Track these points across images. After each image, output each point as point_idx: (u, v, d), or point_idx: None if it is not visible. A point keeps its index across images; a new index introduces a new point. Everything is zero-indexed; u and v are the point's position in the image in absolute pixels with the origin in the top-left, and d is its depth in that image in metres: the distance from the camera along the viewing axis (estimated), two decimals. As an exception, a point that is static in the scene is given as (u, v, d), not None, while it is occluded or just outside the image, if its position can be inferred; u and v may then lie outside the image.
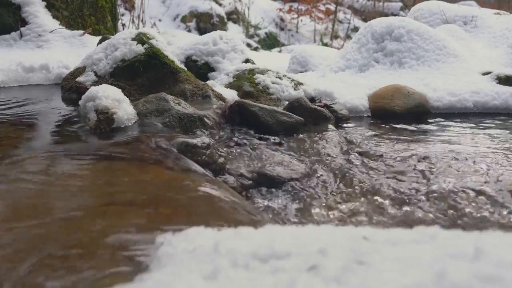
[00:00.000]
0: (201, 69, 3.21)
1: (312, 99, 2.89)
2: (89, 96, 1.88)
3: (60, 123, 2.00)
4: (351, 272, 0.60)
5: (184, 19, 10.96)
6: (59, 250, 0.86)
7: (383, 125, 2.74)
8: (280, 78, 2.97)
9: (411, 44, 3.69)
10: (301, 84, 3.00)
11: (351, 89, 3.20)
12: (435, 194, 1.66)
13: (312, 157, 1.97)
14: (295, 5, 12.92)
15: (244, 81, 2.90)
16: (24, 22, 3.80)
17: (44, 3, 3.97)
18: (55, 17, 4.01)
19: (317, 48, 5.32)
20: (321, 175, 1.79)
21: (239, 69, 3.07)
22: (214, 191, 1.32)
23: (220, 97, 2.52)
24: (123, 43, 2.54)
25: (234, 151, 1.87)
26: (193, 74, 2.71)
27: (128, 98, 1.96)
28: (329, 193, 1.65)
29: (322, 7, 13.35)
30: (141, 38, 2.54)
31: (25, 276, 0.77)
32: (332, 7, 13.31)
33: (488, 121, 2.96)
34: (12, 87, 2.91)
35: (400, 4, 14.34)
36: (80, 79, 2.54)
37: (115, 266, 0.81)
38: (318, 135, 2.22)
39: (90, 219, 1.02)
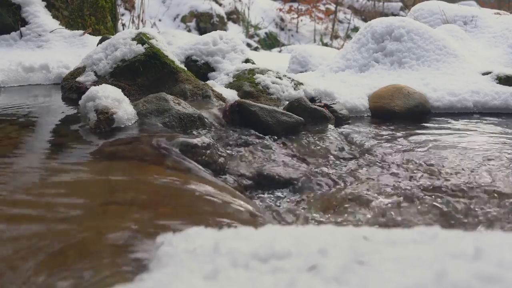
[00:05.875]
0: (201, 69, 3.21)
1: (312, 99, 2.89)
2: (89, 96, 1.88)
3: (60, 123, 2.00)
4: (351, 272, 0.60)
5: (184, 19, 10.95)
6: (59, 250, 0.86)
7: (383, 125, 2.74)
8: (280, 78, 2.97)
9: (411, 44, 3.69)
10: (301, 84, 2.99)
11: (351, 89, 3.20)
12: (434, 194, 1.66)
13: (312, 157, 1.97)
14: (295, 5, 12.91)
15: (244, 81, 2.90)
16: (24, 22, 3.80)
17: (44, 3, 3.97)
18: (55, 17, 4.01)
19: (317, 48, 5.32)
20: (321, 175, 1.79)
21: (239, 69, 3.07)
22: (214, 191, 1.32)
23: (220, 97, 2.51)
24: (123, 43, 2.54)
25: (234, 151, 1.87)
26: (193, 74, 2.71)
27: (128, 98, 1.96)
28: (329, 193, 1.65)
29: (322, 7, 13.34)
30: (141, 38, 2.54)
31: (25, 276, 0.77)
32: (332, 7, 13.31)
33: (488, 121, 2.96)
34: (12, 87, 2.91)
35: (400, 4, 14.33)
36: (80, 79, 2.54)
37: (115, 266, 0.81)
38: (318, 135, 2.22)
39: (90, 219, 1.02)
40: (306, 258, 0.65)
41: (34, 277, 0.77)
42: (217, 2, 11.81)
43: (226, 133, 2.05)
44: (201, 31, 10.17)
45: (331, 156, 2.01)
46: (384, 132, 2.55)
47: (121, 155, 1.50)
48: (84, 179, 1.31)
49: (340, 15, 13.66)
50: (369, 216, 1.49)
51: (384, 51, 3.72)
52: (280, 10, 12.90)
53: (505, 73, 3.48)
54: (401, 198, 1.62)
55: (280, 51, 9.50)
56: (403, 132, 2.57)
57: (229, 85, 2.89)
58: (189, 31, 10.31)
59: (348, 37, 11.91)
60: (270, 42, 11.40)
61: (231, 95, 2.64)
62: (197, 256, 0.69)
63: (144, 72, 2.46)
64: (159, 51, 2.51)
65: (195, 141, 1.63)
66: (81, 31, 3.87)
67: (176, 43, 3.64)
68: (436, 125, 2.81)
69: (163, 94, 2.03)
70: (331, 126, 2.39)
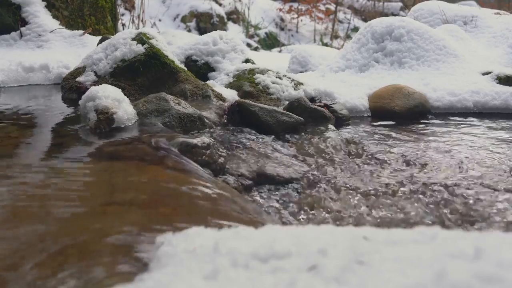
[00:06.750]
0: (201, 69, 3.20)
1: (312, 99, 2.89)
2: (89, 96, 1.88)
3: (60, 123, 2.00)
4: (351, 272, 0.60)
5: (184, 19, 10.95)
6: (59, 250, 0.86)
7: (383, 125, 2.74)
8: (280, 78, 2.97)
9: (411, 44, 3.69)
10: (301, 84, 2.99)
11: (351, 89, 3.20)
12: (431, 193, 1.66)
13: (312, 157, 1.97)
14: (295, 5, 12.91)
15: (244, 81, 2.90)
16: (24, 22, 3.80)
17: (44, 3, 3.97)
18: (55, 17, 4.01)
19: (317, 48, 5.32)
20: (321, 175, 1.79)
21: (239, 69, 3.07)
22: (214, 191, 1.32)
23: (220, 97, 2.51)
24: (123, 43, 2.54)
25: (234, 151, 1.87)
26: (193, 74, 2.71)
27: (128, 98, 1.96)
28: (329, 193, 1.65)
29: (322, 7, 13.35)
30: (141, 38, 2.54)
31: (25, 277, 0.77)
32: (332, 7, 13.31)
33: (487, 121, 2.96)
34: (12, 87, 2.91)
35: (400, 4, 14.34)
36: (80, 79, 2.54)
37: (115, 266, 0.81)
38: (318, 135, 2.22)
39: (90, 219, 1.02)
40: (306, 258, 0.65)
41: (34, 277, 0.77)
42: (217, 2, 11.82)
43: (226, 133, 2.05)
44: (201, 31, 10.18)
45: (331, 155, 2.01)
46: (384, 132, 2.55)
47: (121, 155, 1.50)
48: (84, 179, 1.31)
49: (340, 15, 13.66)
50: (370, 214, 1.49)
51: (384, 51, 3.72)
52: (280, 10, 12.90)
53: (505, 73, 3.49)
54: (402, 197, 1.62)
55: (280, 51, 9.51)
56: (403, 133, 2.57)
57: (229, 85, 2.89)
58: (189, 31, 10.31)
59: (348, 37, 11.91)
60: (270, 42, 11.40)
61: (231, 95, 2.64)
62: (197, 256, 0.69)
63: (144, 72, 2.46)
64: (159, 51, 2.51)
65: (195, 141, 1.63)
66: (81, 31, 3.87)
67: (176, 43, 3.64)
68: (436, 125, 2.81)
69: (163, 94, 2.03)
70: (331, 126, 2.39)
